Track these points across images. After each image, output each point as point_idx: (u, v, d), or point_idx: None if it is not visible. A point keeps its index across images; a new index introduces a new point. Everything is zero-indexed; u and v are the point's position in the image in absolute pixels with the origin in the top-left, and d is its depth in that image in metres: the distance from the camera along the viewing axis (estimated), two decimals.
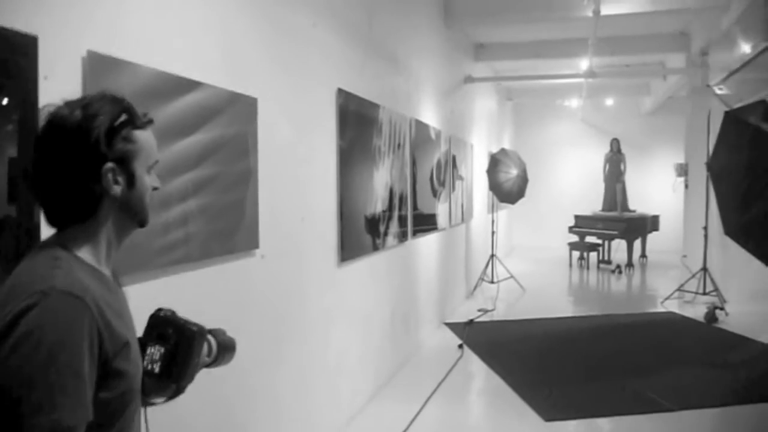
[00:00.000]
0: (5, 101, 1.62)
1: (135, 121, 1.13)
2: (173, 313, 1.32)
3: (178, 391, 1.32)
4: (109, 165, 1.08)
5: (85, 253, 1.11)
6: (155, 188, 1.19)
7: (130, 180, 1.12)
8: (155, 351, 1.27)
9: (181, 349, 1.27)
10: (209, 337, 1.41)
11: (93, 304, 1.03)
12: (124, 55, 1.98)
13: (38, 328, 0.97)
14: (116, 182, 1.10)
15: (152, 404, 1.33)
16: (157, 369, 1.27)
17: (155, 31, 2.18)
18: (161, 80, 2.14)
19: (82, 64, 1.83)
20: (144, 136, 1.14)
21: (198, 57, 2.40)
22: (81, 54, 1.82)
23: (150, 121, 1.17)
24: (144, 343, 1.28)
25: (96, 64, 1.85)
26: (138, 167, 1.13)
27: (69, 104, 1.10)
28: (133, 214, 1.15)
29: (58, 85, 1.73)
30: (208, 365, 1.45)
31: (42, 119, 1.10)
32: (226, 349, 1.46)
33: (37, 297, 0.99)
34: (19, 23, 1.63)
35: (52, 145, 1.07)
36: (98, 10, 1.91)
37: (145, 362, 1.27)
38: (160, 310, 1.32)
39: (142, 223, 1.18)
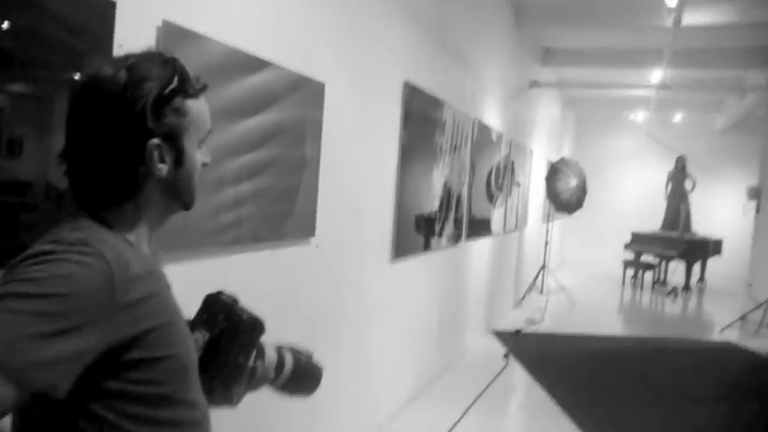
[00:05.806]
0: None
1: (187, 88, 0.95)
2: (234, 300, 1.11)
3: (225, 396, 1.09)
4: (155, 141, 0.92)
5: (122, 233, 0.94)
6: (205, 164, 1.02)
7: (179, 158, 0.95)
8: (199, 337, 1.07)
9: (224, 340, 1.06)
10: (284, 352, 1.20)
11: (115, 263, 0.85)
12: (199, 28, 1.94)
13: (44, 271, 0.80)
14: (162, 161, 0.94)
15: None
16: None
17: (230, 5, 2.14)
18: (233, 56, 2.10)
19: (157, 34, 1.80)
20: (197, 106, 0.97)
21: (270, 37, 2.36)
22: (157, 23, 1.79)
23: (204, 87, 0.99)
24: (191, 326, 1.08)
25: (170, 34, 1.82)
26: (188, 143, 0.96)
27: (113, 62, 0.92)
28: (179, 196, 0.99)
29: None
30: (279, 386, 1.21)
31: (81, 77, 0.93)
32: (305, 374, 1.23)
33: (50, 245, 0.84)
34: None
35: (89, 113, 0.91)
36: None
37: None
38: (220, 293, 1.13)
39: (187, 206, 1.02)
